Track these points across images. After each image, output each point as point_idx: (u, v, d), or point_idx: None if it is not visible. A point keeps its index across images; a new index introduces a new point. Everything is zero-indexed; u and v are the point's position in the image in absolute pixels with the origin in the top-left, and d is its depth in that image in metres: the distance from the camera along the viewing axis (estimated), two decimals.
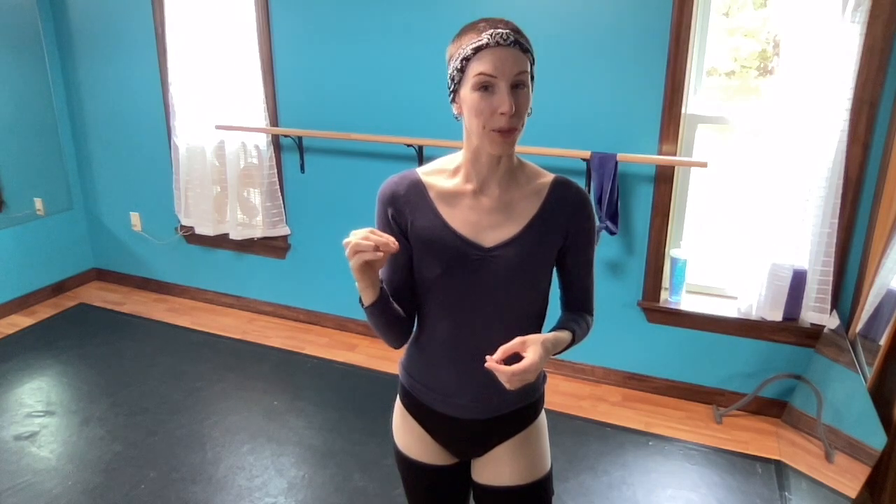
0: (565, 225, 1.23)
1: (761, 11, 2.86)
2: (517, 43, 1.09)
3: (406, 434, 1.38)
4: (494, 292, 1.21)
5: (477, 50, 1.09)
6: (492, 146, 1.14)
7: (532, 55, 1.13)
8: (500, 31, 1.08)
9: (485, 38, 1.08)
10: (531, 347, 1.10)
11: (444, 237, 1.21)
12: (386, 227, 1.25)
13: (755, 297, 2.69)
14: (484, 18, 1.12)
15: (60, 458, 2.57)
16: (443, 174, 1.24)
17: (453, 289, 1.22)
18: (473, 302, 1.22)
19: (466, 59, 1.10)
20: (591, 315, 1.34)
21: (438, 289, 1.23)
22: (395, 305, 1.25)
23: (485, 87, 1.09)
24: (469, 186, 1.21)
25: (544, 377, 1.37)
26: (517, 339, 1.11)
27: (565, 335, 1.22)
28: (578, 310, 1.33)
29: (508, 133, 1.11)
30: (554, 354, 1.19)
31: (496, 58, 1.08)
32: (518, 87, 1.10)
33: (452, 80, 1.14)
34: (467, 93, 1.11)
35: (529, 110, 1.17)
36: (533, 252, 1.21)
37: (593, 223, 1.27)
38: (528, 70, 1.11)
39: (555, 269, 1.30)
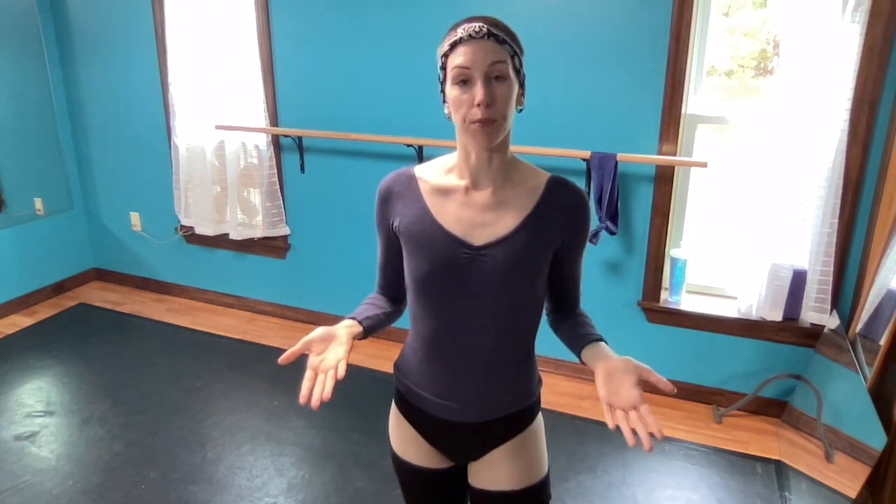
0: (562, 227, 1.20)
1: (761, 11, 2.86)
2: (492, 35, 1.09)
3: (401, 437, 1.37)
4: (484, 293, 1.19)
5: (453, 45, 1.10)
6: (473, 139, 1.13)
7: (512, 47, 1.11)
8: (473, 24, 1.09)
9: (459, 32, 1.10)
10: (630, 377, 1.15)
11: (432, 234, 1.19)
12: (382, 221, 1.28)
13: (755, 297, 2.69)
14: (468, 17, 1.12)
15: (60, 458, 2.57)
16: (438, 171, 1.24)
17: (442, 288, 1.21)
18: (463, 302, 1.20)
19: (445, 56, 1.12)
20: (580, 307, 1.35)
21: (427, 288, 1.22)
22: (380, 313, 1.31)
23: (462, 80, 1.10)
24: (462, 183, 1.20)
25: (539, 380, 1.35)
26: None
27: (605, 346, 1.21)
28: (572, 307, 1.32)
29: (487, 124, 1.10)
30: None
31: (469, 50, 1.08)
32: (496, 78, 1.10)
33: (439, 78, 1.16)
34: (449, 88, 1.13)
35: (521, 106, 1.17)
36: (525, 252, 1.18)
37: (589, 223, 1.25)
38: (508, 61, 1.10)
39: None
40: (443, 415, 1.28)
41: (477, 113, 1.09)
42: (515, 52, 1.12)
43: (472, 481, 1.35)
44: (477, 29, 1.08)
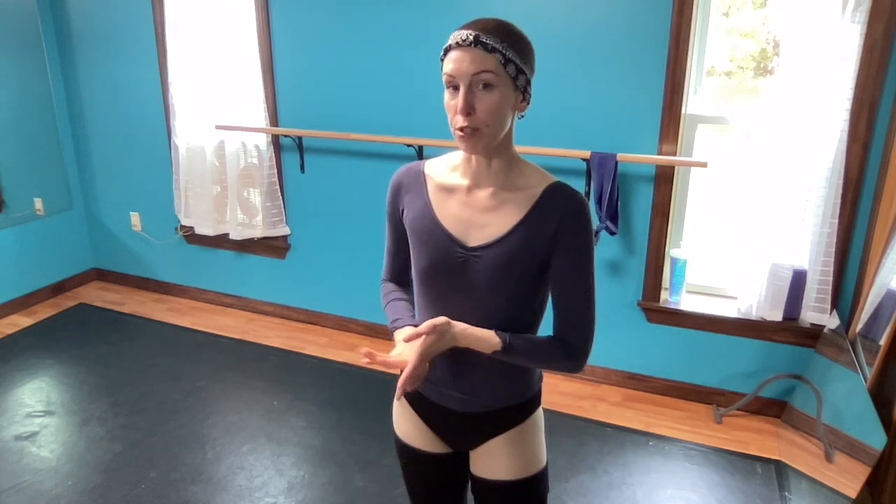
0: (553, 234, 1.16)
1: (761, 11, 2.86)
2: (479, 43, 1.08)
3: (404, 421, 1.41)
4: (476, 294, 1.21)
5: (445, 52, 1.13)
6: (460, 145, 1.16)
7: (504, 55, 1.08)
8: (463, 31, 1.10)
9: (450, 38, 1.12)
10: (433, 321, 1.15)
11: (432, 231, 1.23)
12: (392, 212, 1.32)
13: (755, 297, 2.69)
14: (473, 20, 1.13)
15: (60, 458, 2.57)
16: (445, 168, 1.27)
17: (440, 283, 1.24)
18: (457, 301, 1.23)
19: (442, 61, 1.14)
20: (578, 345, 1.20)
21: (428, 281, 1.26)
22: (413, 308, 1.35)
23: (453, 87, 1.12)
24: (465, 183, 1.23)
25: (540, 376, 1.36)
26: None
27: (493, 338, 1.17)
28: (560, 335, 1.21)
29: (468, 132, 1.11)
30: (477, 349, 1.18)
31: (456, 58, 1.10)
32: (484, 87, 1.10)
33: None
34: (445, 93, 1.15)
35: (523, 113, 1.18)
36: (515, 258, 1.17)
37: (588, 237, 1.17)
38: (496, 70, 1.08)
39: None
40: (444, 402, 1.32)
41: (458, 120, 1.12)
42: (510, 59, 1.10)
43: (473, 469, 1.39)
44: (464, 37, 1.09)
